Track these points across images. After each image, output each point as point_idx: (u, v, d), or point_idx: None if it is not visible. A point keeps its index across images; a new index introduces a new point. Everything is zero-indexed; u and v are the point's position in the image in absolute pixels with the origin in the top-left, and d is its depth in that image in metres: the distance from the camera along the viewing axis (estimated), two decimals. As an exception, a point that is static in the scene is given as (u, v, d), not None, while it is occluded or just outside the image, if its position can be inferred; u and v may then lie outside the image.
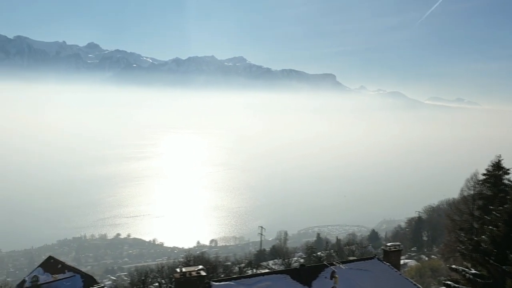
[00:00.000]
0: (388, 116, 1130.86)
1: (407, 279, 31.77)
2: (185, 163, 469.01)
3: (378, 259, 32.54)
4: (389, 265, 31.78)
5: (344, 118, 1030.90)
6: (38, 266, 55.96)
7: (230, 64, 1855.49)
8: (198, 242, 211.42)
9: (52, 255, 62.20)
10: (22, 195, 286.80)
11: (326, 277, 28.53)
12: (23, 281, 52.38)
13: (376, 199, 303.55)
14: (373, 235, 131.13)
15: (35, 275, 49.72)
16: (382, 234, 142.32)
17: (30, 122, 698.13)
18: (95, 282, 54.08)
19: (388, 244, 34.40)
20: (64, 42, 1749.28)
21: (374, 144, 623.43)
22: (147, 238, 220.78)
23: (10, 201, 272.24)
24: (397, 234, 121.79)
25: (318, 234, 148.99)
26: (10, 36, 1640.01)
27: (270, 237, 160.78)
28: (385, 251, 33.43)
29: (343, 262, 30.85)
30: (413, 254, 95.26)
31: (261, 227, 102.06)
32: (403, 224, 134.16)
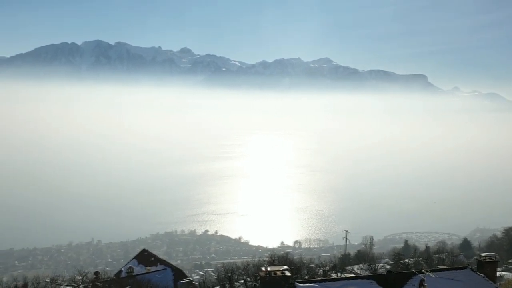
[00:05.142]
0: (483, 118, 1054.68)
1: (504, 293, 29.96)
2: (270, 163, 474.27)
3: (472, 269, 31.02)
4: (483, 277, 30.16)
5: (433, 120, 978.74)
6: (133, 258, 59.76)
7: (315, 65, 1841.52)
8: (282, 243, 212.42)
9: (145, 248, 66.56)
10: (120, 192, 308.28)
11: (414, 285, 27.84)
12: (120, 271, 56.21)
13: (469, 206, 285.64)
14: (465, 244, 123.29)
15: (130, 266, 53.22)
16: (475, 244, 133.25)
17: (127, 124, 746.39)
18: (184, 276, 56.78)
19: (483, 254, 32.65)
20: (159, 47, 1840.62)
21: (465, 147, 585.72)
22: (233, 235, 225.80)
23: (108, 197, 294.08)
24: (492, 244, 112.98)
25: (406, 241, 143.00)
26: (112, 42, 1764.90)
27: (355, 241, 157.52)
28: (479, 262, 31.75)
29: (432, 271, 29.87)
30: (511, 266, 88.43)
31: (346, 231, 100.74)
32: (499, 234, 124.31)
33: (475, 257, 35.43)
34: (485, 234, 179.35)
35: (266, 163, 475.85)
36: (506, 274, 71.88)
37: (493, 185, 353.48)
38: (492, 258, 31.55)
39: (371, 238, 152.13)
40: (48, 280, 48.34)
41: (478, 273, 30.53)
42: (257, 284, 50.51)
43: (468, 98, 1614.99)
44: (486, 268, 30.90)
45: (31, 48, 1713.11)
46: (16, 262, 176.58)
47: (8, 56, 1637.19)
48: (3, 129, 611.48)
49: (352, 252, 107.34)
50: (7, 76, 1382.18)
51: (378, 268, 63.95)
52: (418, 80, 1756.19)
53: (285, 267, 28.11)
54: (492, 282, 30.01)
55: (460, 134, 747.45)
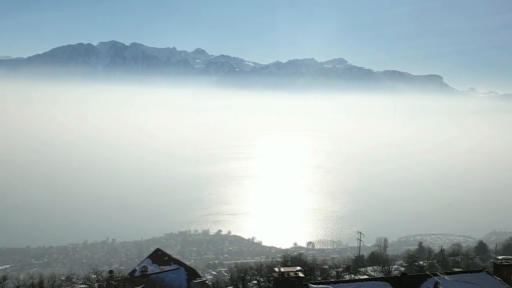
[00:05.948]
0: (499, 119, 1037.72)
1: (521, 297, 29.46)
2: (283, 164, 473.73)
3: (488, 272, 30.62)
4: (500, 280, 29.75)
5: (448, 121, 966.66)
6: (147, 257, 60.27)
7: (330, 66, 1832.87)
8: (295, 244, 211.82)
9: (159, 248, 66.97)
10: (134, 192, 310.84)
11: (428, 288, 27.56)
12: (134, 270, 56.69)
13: (484, 208, 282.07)
14: (481, 247, 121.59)
15: (144, 266, 53.53)
16: (491, 246, 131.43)
17: (141, 124, 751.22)
18: (197, 275, 57.00)
19: (499, 257, 32.21)
20: (174, 48, 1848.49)
21: (481, 148, 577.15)
22: (246, 236, 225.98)
23: (122, 196, 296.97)
24: (509, 247, 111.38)
25: (420, 243, 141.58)
26: (127, 43, 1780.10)
27: (369, 243, 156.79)
28: (495, 265, 31.31)
29: (447, 273, 29.57)
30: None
31: (360, 232, 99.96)
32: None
33: (491, 260, 34.96)
34: (501, 237, 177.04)
35: (280, 164, 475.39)
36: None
37: (509, 187, 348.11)
38: (509, 261, 31.08)
39: (385, 240, 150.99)
40: (63, 278, 49.01)
41: (495, 276, 30.11)
42: (270, 285, 50.46)
43: (484, 99, 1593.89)
44: (503, 271, 30.42)
45: (48, 48, 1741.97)
46: (33, 260, 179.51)
47: (25, 56, 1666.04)
48: (20, 129, 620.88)
49: (366, 253, 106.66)
50: (25, 76, 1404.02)
51: (392, 270, 63.54)
52: (433, 80, 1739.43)
53: (298, 268, 28.09)
54: (509, 286, 29.55)
55: (475, 135, 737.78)
